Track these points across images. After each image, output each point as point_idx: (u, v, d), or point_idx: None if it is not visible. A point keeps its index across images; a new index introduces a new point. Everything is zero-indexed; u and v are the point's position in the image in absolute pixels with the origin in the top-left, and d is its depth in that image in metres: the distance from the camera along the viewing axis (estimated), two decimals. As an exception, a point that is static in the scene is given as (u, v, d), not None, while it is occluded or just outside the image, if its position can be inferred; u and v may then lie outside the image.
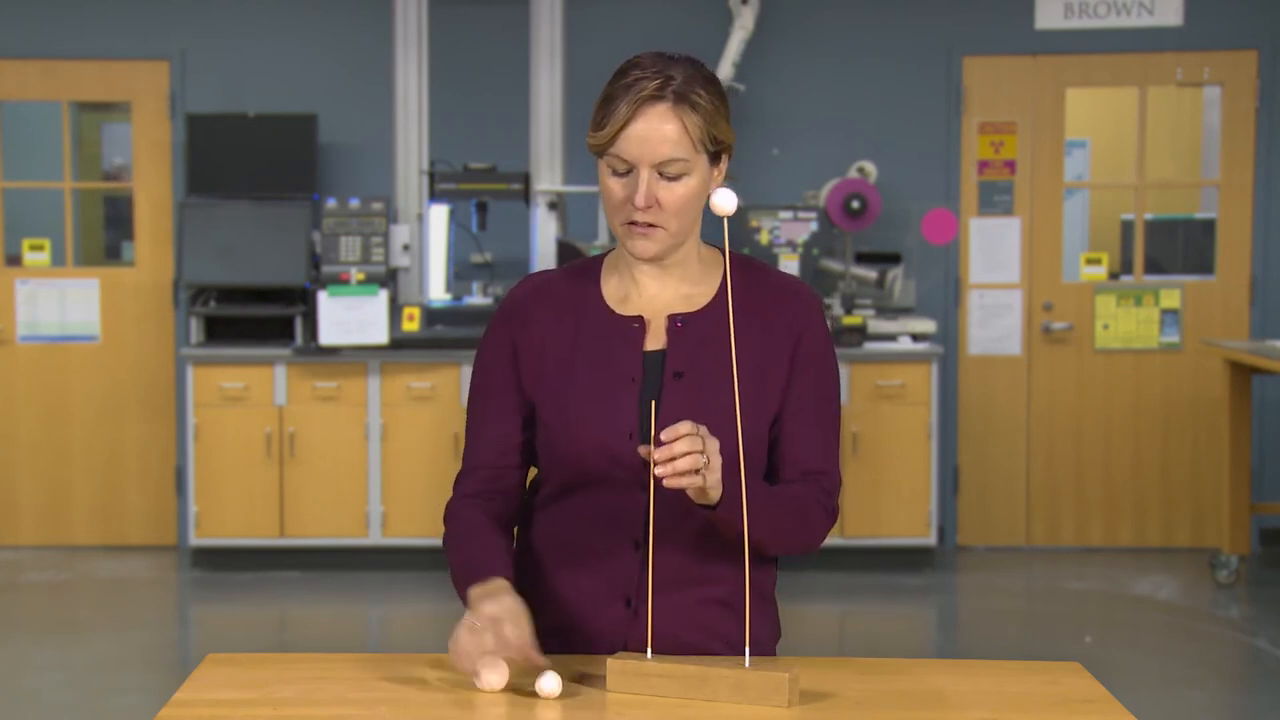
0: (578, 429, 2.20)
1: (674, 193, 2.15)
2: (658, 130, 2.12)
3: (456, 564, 2.21)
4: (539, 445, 2.29)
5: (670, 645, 2.13)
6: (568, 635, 2.23)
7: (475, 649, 2.06)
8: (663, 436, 1.98)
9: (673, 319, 2.24)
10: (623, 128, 2.13)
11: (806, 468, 2.23)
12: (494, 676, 2.03)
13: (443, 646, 2.11)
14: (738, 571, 2.19)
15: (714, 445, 2.01)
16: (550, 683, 2.00)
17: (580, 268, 2.33)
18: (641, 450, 2.02)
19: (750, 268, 2.29)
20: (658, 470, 1.98)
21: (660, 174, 2.14)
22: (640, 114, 2.12)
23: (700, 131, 2.14)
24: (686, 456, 1.97)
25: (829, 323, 4.59)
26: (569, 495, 2.24)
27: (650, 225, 2.17)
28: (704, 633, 2.21)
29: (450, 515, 2.30)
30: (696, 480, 1.99)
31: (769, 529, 2.13)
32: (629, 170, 2.15)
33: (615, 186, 2.17)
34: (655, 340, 2.24)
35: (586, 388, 2.19)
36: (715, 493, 2.04)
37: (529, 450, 2.30)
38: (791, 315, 2.24)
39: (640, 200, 2.13)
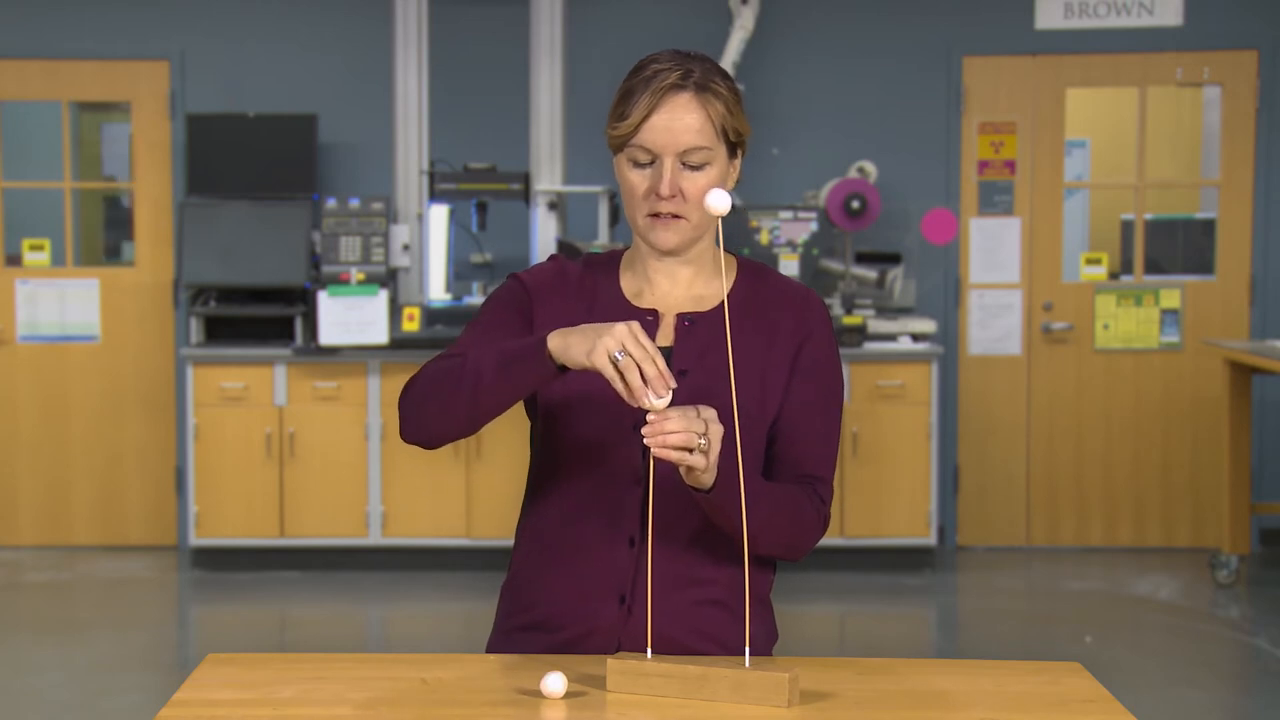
0: (578, 416, 2.20)
1: (696, 183, 2.16)
2: (681, 119, 2.14)
3: (495, 353, 2.11)
4: (536, 435, 2.29)
5: (665, 646, 2.12)
6: (561, 632, 2.22)
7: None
8: (649, 419, 1.97)
9: (681, 318, 2.24)
10: (646, 118, 2.14)
11: (802, 472, 2.22)
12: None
13: (442, 646, 2.11)
14: (733, 574, 2.19)
15: (717, 430, 2.00)
16: (556, 683, 2.00)
17: (598, 260, 2.33)
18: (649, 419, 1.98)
19: (760, 273, 2.30)
20: (647, 440, 1.96)
21: (683, 164, 2.15)
22: (663, 104, 2.14)
23: (722, 120, 2.16)
24: (680, 433, 1.96)
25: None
26: (565, 489, 2.23)
27: (673, 216, 2.17)
28: (699, 635, 2.19)
29: (424, 369, 2.20)
30: (695, 459, 1.97)
31: (762, 523, 2.11)
32: (651, 161, 2.16)
33: (636, 179, 2.18)
34: (664, 337, 2.24)
35: (591, 375, 2.11)
36: (709, 476, 2.02)
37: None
38: (796, 321, 2.25)
39: (665, 189, 2.15)
